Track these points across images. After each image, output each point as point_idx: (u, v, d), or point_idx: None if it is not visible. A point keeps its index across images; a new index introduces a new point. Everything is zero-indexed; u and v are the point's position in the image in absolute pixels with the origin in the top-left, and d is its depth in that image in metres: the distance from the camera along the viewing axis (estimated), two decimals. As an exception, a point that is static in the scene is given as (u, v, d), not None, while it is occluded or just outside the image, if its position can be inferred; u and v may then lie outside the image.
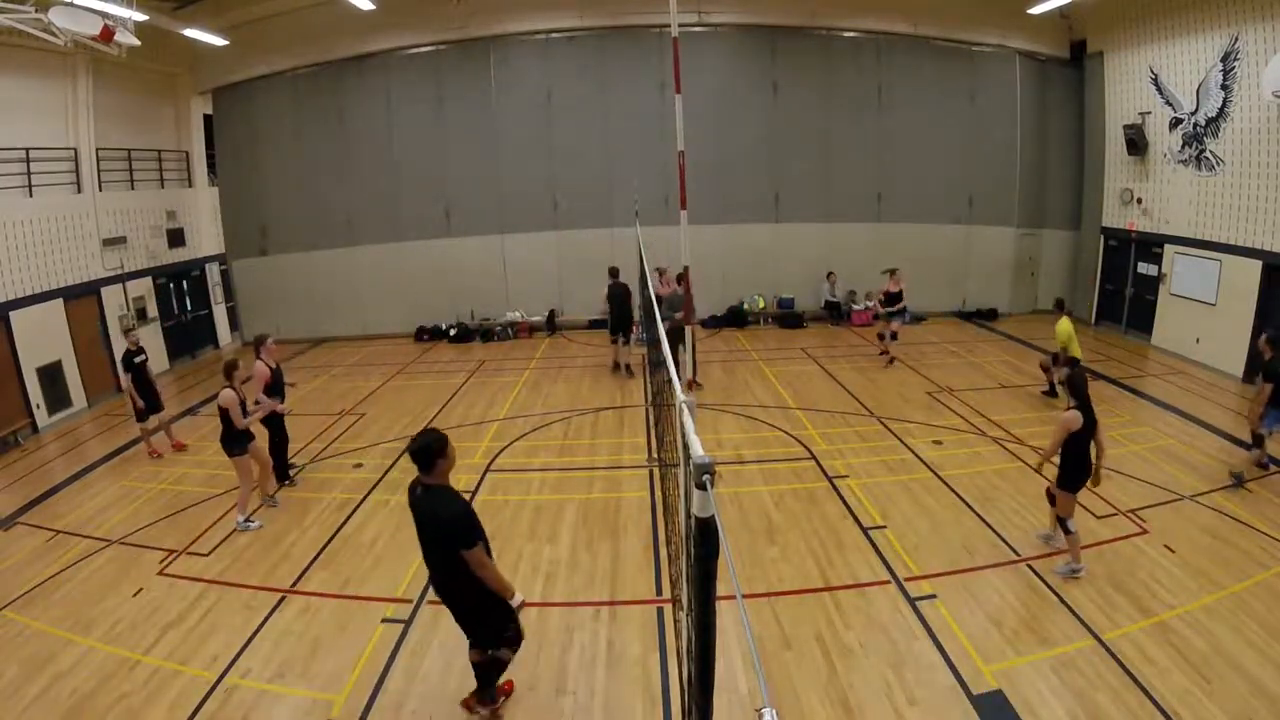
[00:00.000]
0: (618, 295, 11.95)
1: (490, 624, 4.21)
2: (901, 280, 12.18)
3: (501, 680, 4.52)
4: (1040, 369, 10.91)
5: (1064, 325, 9.73)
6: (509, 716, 4.53)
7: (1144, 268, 13.71)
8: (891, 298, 12.14)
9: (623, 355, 12.34)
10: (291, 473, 8.38)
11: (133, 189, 13.95)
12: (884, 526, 6.73)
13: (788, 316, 15.83)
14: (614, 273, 12.11)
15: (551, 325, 16.12)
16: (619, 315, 12.01)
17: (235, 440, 7.20)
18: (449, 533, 3.92)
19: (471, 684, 4.77)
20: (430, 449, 3.90)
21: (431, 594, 5.88)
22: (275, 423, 7.97)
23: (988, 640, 5.04)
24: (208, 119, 16.20)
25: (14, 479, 9.18)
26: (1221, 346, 11.51)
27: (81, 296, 12.37)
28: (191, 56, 15.17)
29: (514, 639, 4.32)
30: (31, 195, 11.52)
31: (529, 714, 4.55)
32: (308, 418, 10.83)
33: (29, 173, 11.45)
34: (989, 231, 16.04)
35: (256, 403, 7.64)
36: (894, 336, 12.26)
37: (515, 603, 4.12)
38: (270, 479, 7.83)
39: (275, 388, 7.89)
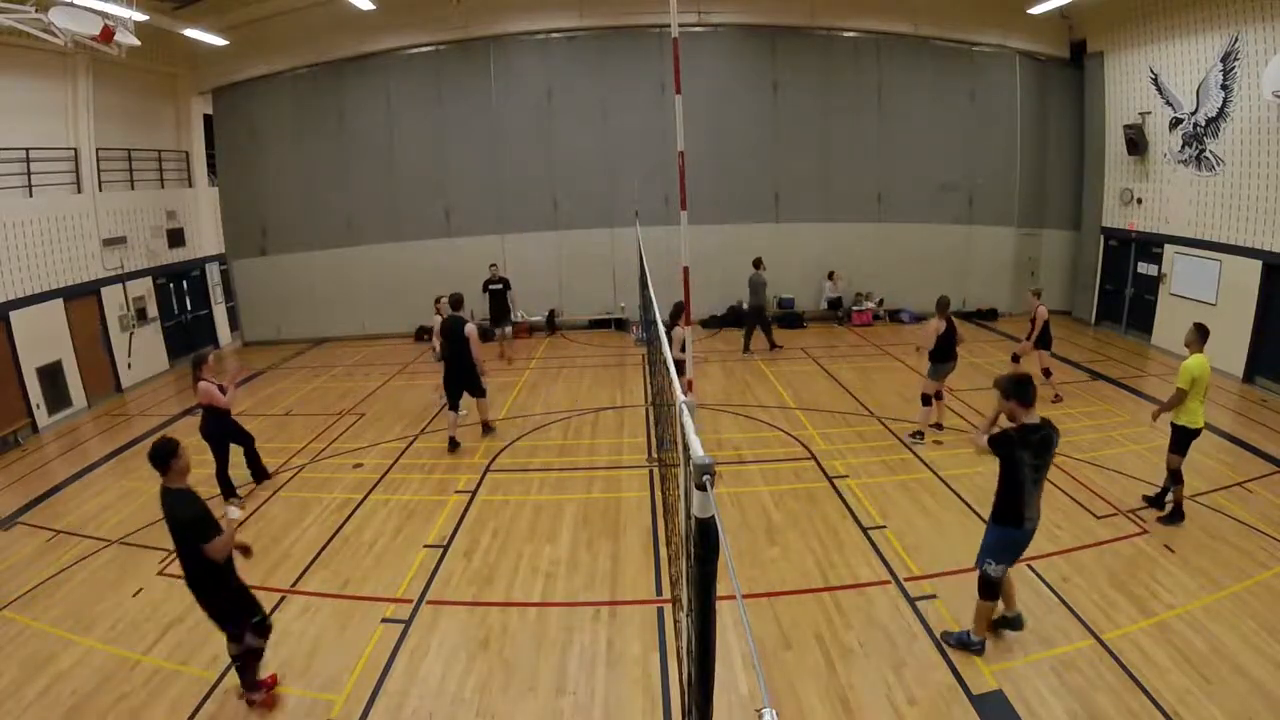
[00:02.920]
0: (498, 289, 13.40)
1: (235, 613, 4.51)
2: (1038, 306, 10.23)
3: (264, 675, 4.74)
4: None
5: (1198, 362, 6.89)
6: (509, 716, 4.53)
7: (1144, 268, 13.71)
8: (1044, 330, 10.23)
9: (506, 347, 13.57)
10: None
11: (133, 189, 13.95)
12: (884, 526, 6.72)
13: (788, 316, 15.82)
14: (493, 268, 13.59)
15: (551, 325, 16.12)
16: (498, 307, 13.44)
17: (214, 427, 7.66)
18: (187, 533, 4.30)
19: (472, 683, 4.80)
20: (161, 452, 4.31)
21: (431, 594, 5.91)
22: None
23: (988, 640, 5.04)
24: (208, 119, 16.19)
25: (14, 479, 9.18)
26: (1221, 346, 11.42)
27: (81, 296, 12.36)
28: (191, 56, 15.18)
29: (261, 626, 4.64)
30: (31, 195, 11.52)
31: (529, 714, 4.55)
32: (308, 417, 10.84)
33: (29, 173, 11.44)
34: (989, 231, 16.03)
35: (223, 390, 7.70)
36: (1046, 374, 10.18)
37: (235, 516, 4.56)
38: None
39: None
